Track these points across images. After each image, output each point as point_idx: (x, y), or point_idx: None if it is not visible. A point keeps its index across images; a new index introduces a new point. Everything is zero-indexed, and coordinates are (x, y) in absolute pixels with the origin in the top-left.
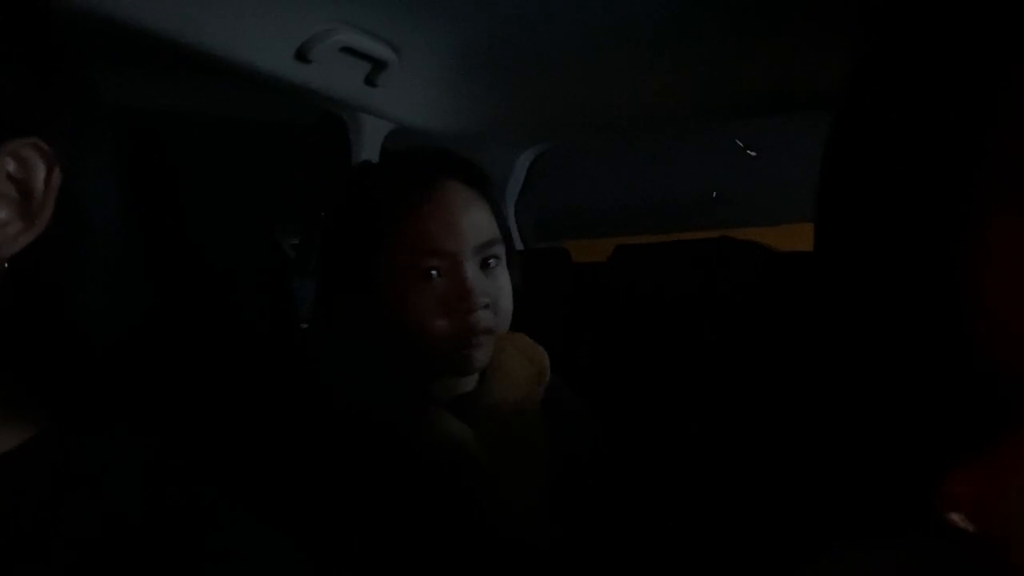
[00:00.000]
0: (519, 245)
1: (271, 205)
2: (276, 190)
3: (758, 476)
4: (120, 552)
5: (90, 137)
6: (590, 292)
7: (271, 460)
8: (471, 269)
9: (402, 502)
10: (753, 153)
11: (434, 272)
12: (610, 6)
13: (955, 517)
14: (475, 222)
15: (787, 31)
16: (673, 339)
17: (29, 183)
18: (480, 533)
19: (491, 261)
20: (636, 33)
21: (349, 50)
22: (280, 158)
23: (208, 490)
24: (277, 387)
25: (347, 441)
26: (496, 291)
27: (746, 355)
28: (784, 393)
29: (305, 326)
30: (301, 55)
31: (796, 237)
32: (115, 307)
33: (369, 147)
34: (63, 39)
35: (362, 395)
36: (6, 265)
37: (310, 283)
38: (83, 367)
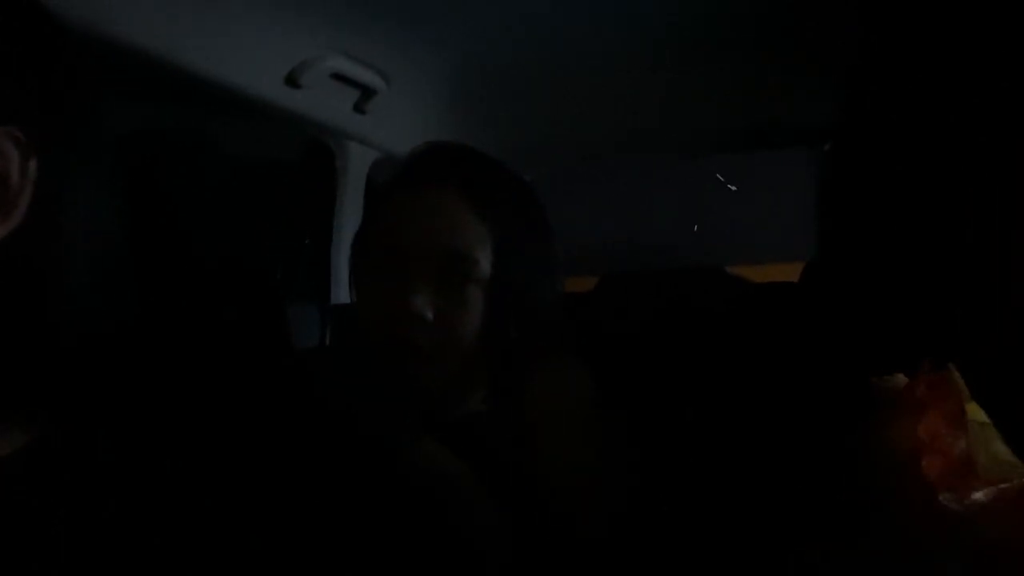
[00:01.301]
0: None
1: (259, 228)
2: (263, 214)
3: (756, 478)
4: (114, 554)
5: (73, 133)
6: (576, 322)
7: (257, 469)
8: (418, 277)
9: (386, 531)
10: (733, 187)
11: (385, 274)
12: (598, 37)
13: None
14: (441, 230)
15: (776, 66)
16: (661, 367)
17: (4, 172)
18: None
19: (454, 277)
20: (626, 62)
21: (339, 77)
22: (267, 182)
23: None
24: (267, 400)
25: (334, 459)
26: (448, 310)
27: (739, 377)
28: (778, 413)
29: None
30: (291, 80)
31: (777, 277)
32: (97, 306)
33: (355, 174)
34: (49, 35)
35: (353, 413)
36: None
37: (302, 307)
38: (63, 364)
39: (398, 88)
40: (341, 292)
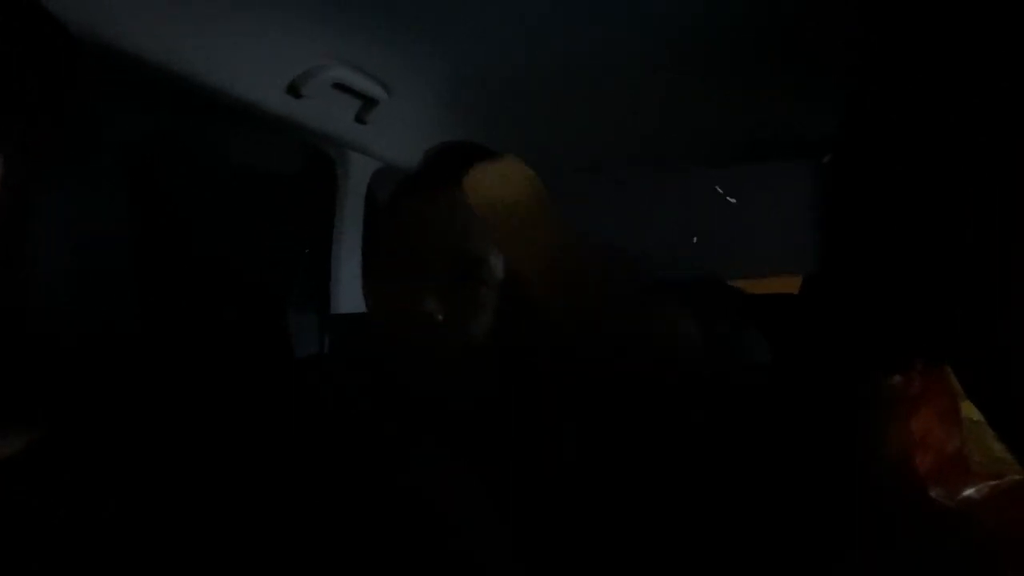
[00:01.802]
0: None
1: (259, 237)
2: (263, 223)
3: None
4: (113, 554)
5: (71, 136)
6: None
7: (257, 473)
8: (429, 280)
9: (388, 538)
10: (733, 200)
11: (396, 276)
12: (599, 48)
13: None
14: (452, 232)
15: (776, 77)
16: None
17: None
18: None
19: (465, 279)
20: (627, 72)
21: (341, 86)
22: (267, 191)
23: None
24: (269, 405)
25: (337, 465)
26: (459, 313)
27: (741, 385)
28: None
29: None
30: (293, 89)
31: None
32: (95, 311)
33: (356, 184)
34: (46, 37)
35: (360, 419)
36: None
37: (301, 316)
38: (62, 367)
39: (399, 98)
40: (341, 302)
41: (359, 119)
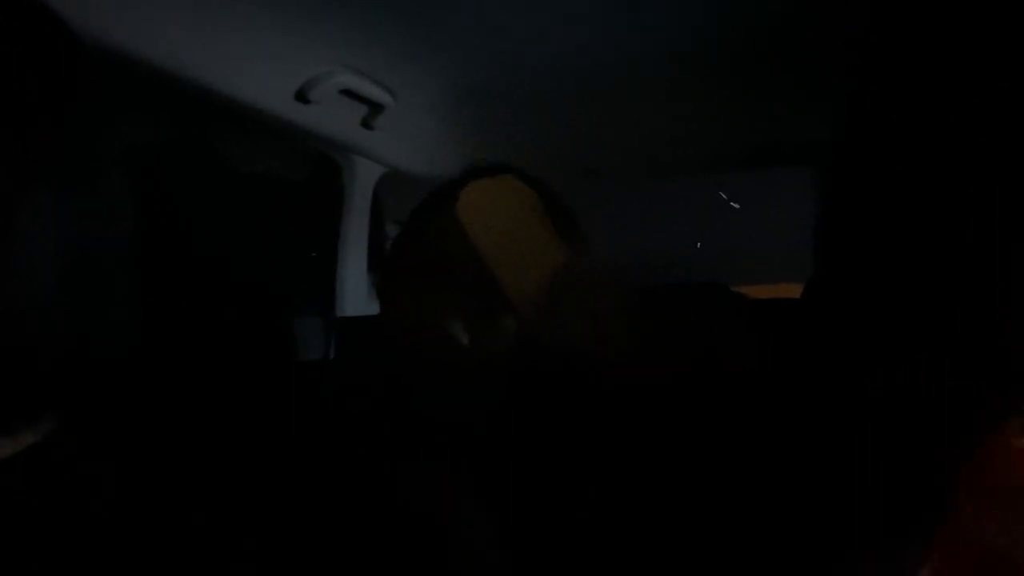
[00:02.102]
0: None
1: (265, 241)
2: (269, 227)
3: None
4: (114, 554)
5: (74, 141)
6: None
7: (254, 479)
8: (455, 298)
9: (379, 554)
10: (736, 205)
11: (420, 294)
12: (604, 54)
13: None
14: (476, 254)
15: (776, 81)
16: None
17: None
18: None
19: (492, 300)
20: (630, 77)
21: (348, 92)
22: (273, 196)
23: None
24: (271, 410)
25: (335, 474)
26: (483, 334)
27: (743, 392)
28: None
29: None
30: (301, 95)
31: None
32: (98, 314)
33: (362, 189)
34: (50, 39)
35: (370, 429)
36: None
37: (307, 319)
38: (69, 368)
39: (405, 104)
40: (346, 305)
41: (365, 124)
